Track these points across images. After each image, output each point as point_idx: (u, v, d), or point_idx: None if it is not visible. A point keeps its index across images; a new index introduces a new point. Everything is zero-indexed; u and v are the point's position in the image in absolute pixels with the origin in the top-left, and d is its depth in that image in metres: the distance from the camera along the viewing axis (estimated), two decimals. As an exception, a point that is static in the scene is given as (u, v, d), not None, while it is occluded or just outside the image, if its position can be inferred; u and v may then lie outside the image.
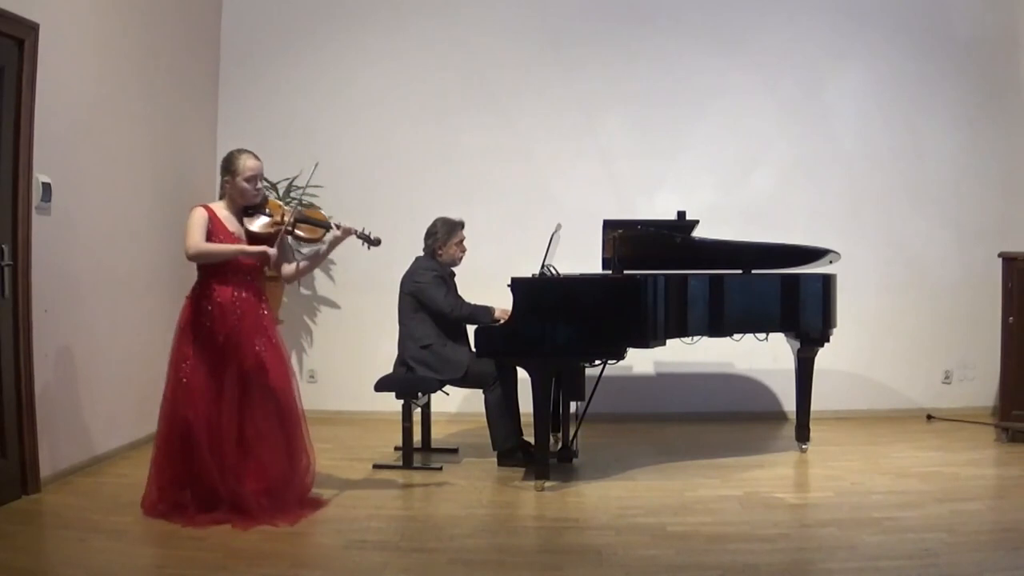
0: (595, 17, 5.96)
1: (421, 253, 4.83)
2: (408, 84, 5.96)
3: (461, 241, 4.82)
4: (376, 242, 3.93)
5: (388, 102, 5.97)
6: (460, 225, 4.81)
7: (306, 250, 4.54)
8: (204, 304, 3.69)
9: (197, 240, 3.63)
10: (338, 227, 3.84)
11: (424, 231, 4.84)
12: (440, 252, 4.76)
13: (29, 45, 3.90)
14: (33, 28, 3.91)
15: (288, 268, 3.93)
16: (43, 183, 4.05)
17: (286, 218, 3.82)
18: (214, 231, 3.70)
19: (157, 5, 5.16)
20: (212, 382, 3.66)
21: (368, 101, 5.97)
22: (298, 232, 3.87)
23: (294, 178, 5.41)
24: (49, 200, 4.09)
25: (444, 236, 4.76)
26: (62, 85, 4.18)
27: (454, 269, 4.85)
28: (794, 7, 5.93)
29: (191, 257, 3.66)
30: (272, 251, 3.73)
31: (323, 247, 3.96)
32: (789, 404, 5.54)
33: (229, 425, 3.64)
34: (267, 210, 3.86)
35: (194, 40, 5.73)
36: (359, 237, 3.89)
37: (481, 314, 4.63)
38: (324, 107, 5.96)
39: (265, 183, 5.07)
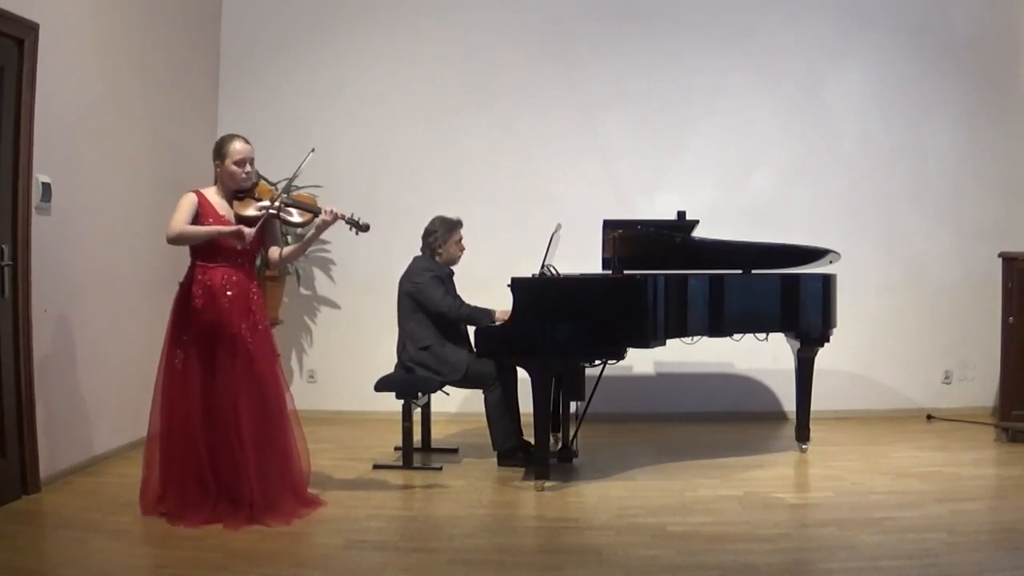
0: (595, 17, 5.96)
1: (419, 252, 4.83)
2: (408, 84, 5.96)
3: (460, 240, 4.81)
4: (365, 228, 3.88)
5: (388, 102, 5.97)
6: (459, 224, 4.81)
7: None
8: (195, 288, 3.69)
9: (178, 223, 3.63)
10: (327, 212, 3.83)
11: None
12: (440, 251, 4.76)
13: (29, 45, 3.90)
14: (33, 28, 3.91)
15: (274, 253, 3.92)
16: (43, 183, 4.05)
17: (274, 202, 3.82)
18: (204, 215, 3.71)
19: (157, 5, 5.16)
20: (206, 367, 3.65)
21: (368, 101, 5.97)
22: (285, 216, 3.84)
23: (294, 178, 5.40)
24: (49, 200, 4.09)
25: (443, 235, 4.75)
26: (62, 85, 4.18)
27: (453, 268, 4.85)
28: (794, 7, 5.93)
29: (169, 239, 3.66)
30: (248, 230, 3.68)
31: (311, 232, 3.95)
32: (789, 404, 5.53)
33: (225, 411, 3.63)
34: (257, 194, 3.85)
35: (194, 40, 5.73)
36: (347, 222, 3.85)
37: (480, 316, 4.63)
38: (324, 107, 5.95)
39: (265, 182, 5.10)
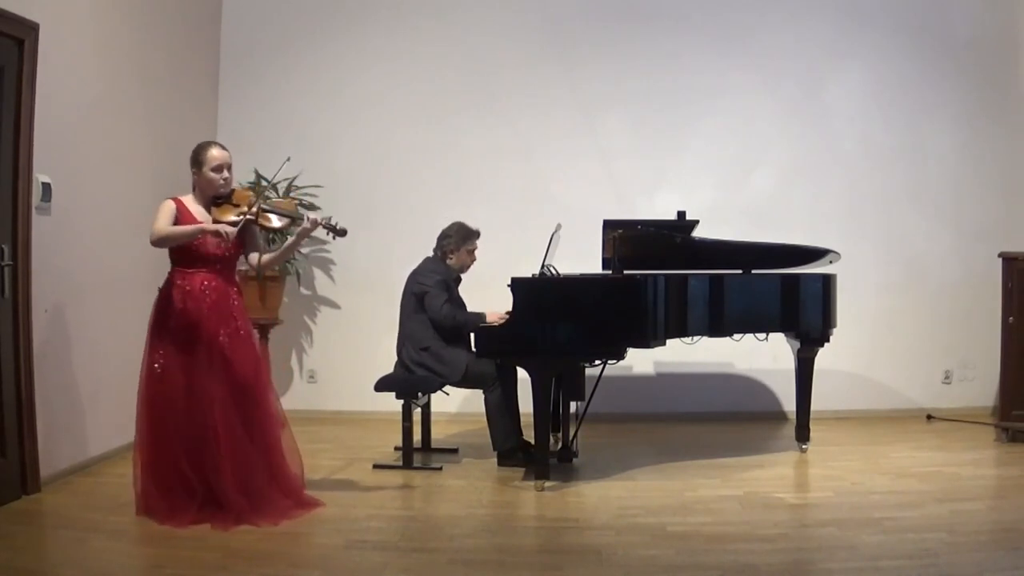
0: (595, 17, 5.96)
1: (420, 253, 4.83)
2: (408, 84, 5.96)
3: (473, 250, 4.81)
4: (342, 232, 3.86)
5: (388, 102, 5.97)
6: (476, 234, 4.81)
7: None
8: (174, 293, 3.70)
9: (160, 226, 3.64)
10: (307, 219, 3.82)
11: (425, 231, 4.86)
12: (451, 257, 4.76)
13: (29, 45, 3.90)
14: (33, 28, 3.91)
15: (253, 258, 3.92)
16: (43, 183, 4.05)
17: (252, 208, 3.82)
18: (183, 221, 3.71)
19: (157, 5, 5.16)
20: (186, 372, 3.66)
21: (368, 101, 5.97)
22: (263, 222, 3.84)
23: (294, 178, 5.41)
24: (49, 200, 4.09)
25: (457, 242, 4.75)
26: (62, 85, 4.18)
27: (462, 275, 4.85)
28: (794, 7, 5.93)
29: (153, 242, 3.67)
30: (231, 229, 3.67)
31: (291, 239, 3.94)
32: (789, 404, 5.53)
33: (206, 415, 3.63)
34: (235, 200, 3.85)
35: (194, 40, 5.72)
36: (325, 227, 3.85)
37: (473, 321, 4.62)
38: (324, 107, 5.95)
39: (265, 182, 5.10)
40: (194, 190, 3.84)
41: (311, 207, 5.41)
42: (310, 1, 6.00)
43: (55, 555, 3.35)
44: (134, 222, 4.83)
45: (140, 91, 4.96)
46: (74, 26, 4.31)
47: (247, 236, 3.85)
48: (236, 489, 3.63)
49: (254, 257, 3.92)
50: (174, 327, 3.67)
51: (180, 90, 5.46)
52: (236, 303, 3.81)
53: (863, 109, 5.95)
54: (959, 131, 5.92)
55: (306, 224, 3.82)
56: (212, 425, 3.63)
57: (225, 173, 3.80)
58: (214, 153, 3.79)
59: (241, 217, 3.76)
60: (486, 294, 4.83)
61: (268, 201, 3.94)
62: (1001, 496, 4.13)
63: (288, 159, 4.04)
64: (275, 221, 3.86)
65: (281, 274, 5.66)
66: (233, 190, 3.89)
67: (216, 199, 3.82)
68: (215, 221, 3.77)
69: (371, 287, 5.76)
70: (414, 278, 4.72)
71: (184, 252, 3.71)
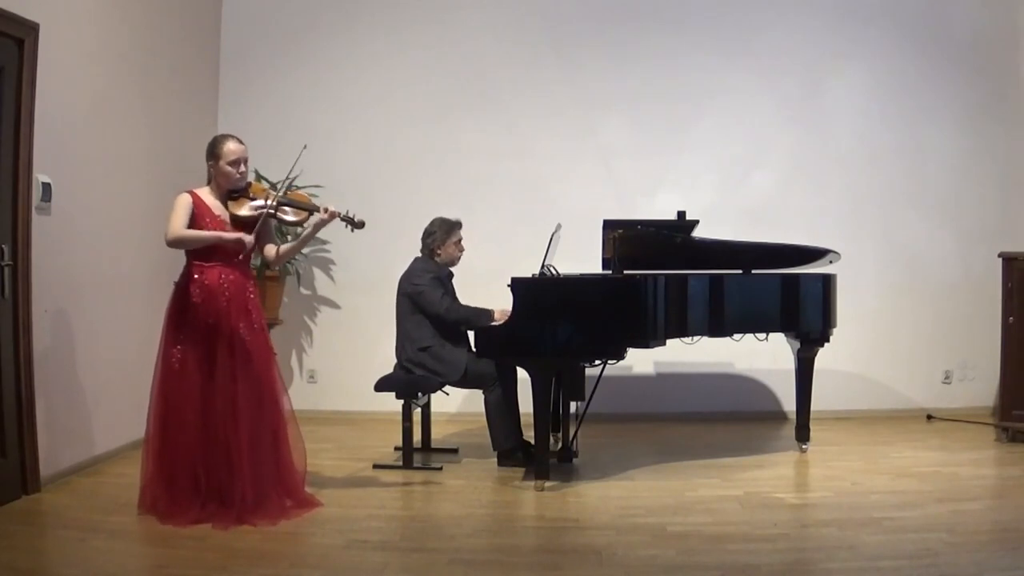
0: (595, 17, 5.96)
1: (419, 253, 4.83)
2: (408, 84, 5.97)
3: (459, 241, 4.81)
4: (360, 224, 3.89)
5: (388, 102, 5.98)
6: (458, 225, 4.81)
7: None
8: (192, 288, 3.69)
9: (177, 226, 3.64)
10: (323, 210, 3.83)
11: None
12: (439, 252, 4.76)
13: (29, 45, 3.90)
14: (33, 28, 3.92)
15: (270, 250, 3.92)
16: (43, 183, 4.05)
17: (269, 201, 3.83)
18: (199, 215, 3.71)
19: (157, 5, 5.16)
20: (203, 367, 3.66)
21: (368, 102, 5.97)
22: (281, 215, 3.85)
23: (294, 178, 5.40)
24: (49, 200, 4.09)
25: (442, 236, 4.76)
26: (62, 85, 4.18)
27: (452, 269, 4.85)
28: (795, 7, 5.93)
29: (169, 243, 3.67)
30: (249, 239, 3.71)
31: (307, 230, 3.94)
32: (789, 404, 5.53)
33: (222, 411, 3.63)
34: (251, 194, 3.86)
35: (194, 40, 5.73)
36: (343, 220, 3.86)
37: (478, 316, 4.62)
38: (324, 108, 5.96)
39: (266, 183, 5.10)
40: (209, 182, 3.84)
41: (294, 190, 5.40)
42: (310, 2, 6.00)
43: (55, 555, 3.35)
44: (134, 222, 4.85)
45: (140, 91, 4.96)
46: (74, 26, 4.31)
47: (263, 230, 3.86)
48: (250, 487, 3.63)
49: (271, 249, 3.92)
50: (192, 321, 3.67)
51: (180, 90, 5.46)
52: (252, 296, 3.81)
53: (863, 109, 5.95)
54: (959, 131, 5.93)
55: (323, 216, 3.83)
56: (233, 421, 3.62)
57: (242, 167, 3.81)
58: (231, 147, 3.79)
59: (257, 211, 3.78)
60: (486, 294, 4.82)
61: (284, 195, 3.94)
62: (1001, 496, 4.14)
63: (305, 147, 3.96)
64: (291, 214, 3.87)
65: (281, 274, 5.66)
66: (249, 184, 3.91)
67: (232, 192, 3.83)
68: (231, 214, 3.78)
69: (371, 287, 5.75)
70: (406, 279, 4.72)
71: (202, 246, 3.71)
